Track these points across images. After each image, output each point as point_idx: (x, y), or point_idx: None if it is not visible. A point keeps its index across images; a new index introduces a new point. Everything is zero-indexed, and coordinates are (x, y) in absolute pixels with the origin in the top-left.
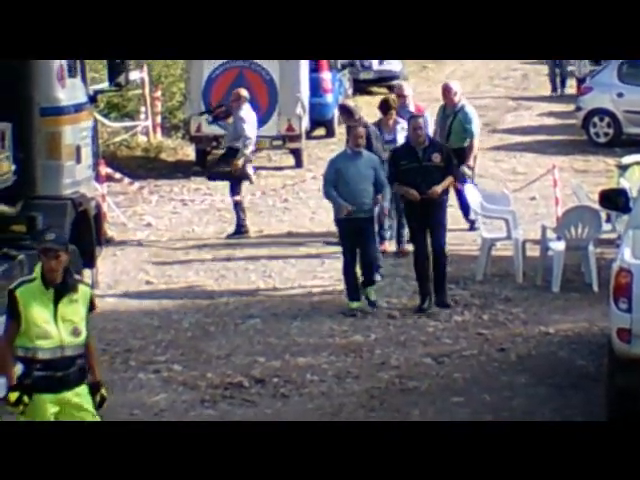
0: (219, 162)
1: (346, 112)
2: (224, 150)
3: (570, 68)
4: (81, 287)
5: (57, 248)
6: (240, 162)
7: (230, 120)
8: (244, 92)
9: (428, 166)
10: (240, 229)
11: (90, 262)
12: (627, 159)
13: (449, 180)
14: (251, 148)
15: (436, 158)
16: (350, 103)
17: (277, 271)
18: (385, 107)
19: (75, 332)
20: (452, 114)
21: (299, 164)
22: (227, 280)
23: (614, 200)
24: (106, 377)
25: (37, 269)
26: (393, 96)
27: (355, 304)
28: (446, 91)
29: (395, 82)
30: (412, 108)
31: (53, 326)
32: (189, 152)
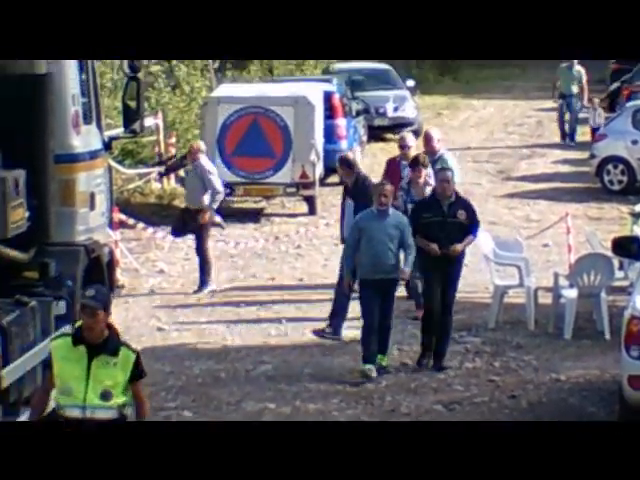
0: (182, 218)
1: (346, 165)
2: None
3: (582, 115)
4: (124, 351)
5: (93, 306)
6: (208, 215)
7: (182, 172)
8: (201, 145)
9: (452, 222)
10: (204, 284)
11: None
12: None
13: (470, 239)
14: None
15: (461, 215)
16: (350, 155)
17: (289, 317)
18: (415, 164)
19: (105, 396)
20: (432, 162)
21: (312, 211)
22: (239, 326)
23: (627, 247)
24: None
25: (78, 323)
26: (423, 153)
27: (369, 366)
28: (427, 139)
29: (399, 134)
30: None
31: (80, 384)
32: (203, 199)
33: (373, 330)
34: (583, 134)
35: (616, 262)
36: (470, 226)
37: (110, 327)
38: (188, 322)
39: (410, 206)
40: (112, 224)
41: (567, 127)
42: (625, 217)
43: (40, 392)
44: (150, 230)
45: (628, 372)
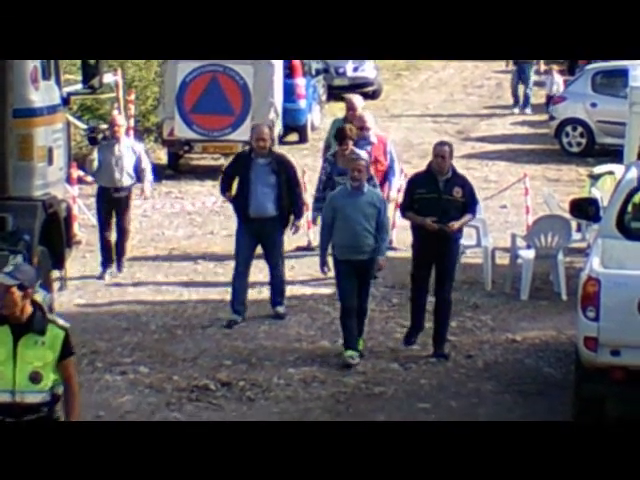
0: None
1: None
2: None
3: (535, 78)
4: (51, 329)
5: (2, 282)
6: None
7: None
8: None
9: (448, 199)
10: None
11: (59, 264)
12: (599, 169)
13: (467, 217)
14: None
15: (457, 193)
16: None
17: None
18: (341, 136)
19: (34, 378)
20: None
21: None
22: (195, 284)
23: (585, 209)
24: None
25: None
26: (350, 125)
27: (350, 352)
28: (350, 107)
29: (346, 95)
30: (373, 139)
31: (8, 367)
32: (161, 156)
33: (352, 313)
34: (540, 96)
35: (574, 224)
36: (467, 205)
37: (36, 305)
38: (145, 279)
39: (337, 178)
40: (70, 180)
41: (521, 94)
42: (583, 179)
43: None
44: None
45: (584, 333)
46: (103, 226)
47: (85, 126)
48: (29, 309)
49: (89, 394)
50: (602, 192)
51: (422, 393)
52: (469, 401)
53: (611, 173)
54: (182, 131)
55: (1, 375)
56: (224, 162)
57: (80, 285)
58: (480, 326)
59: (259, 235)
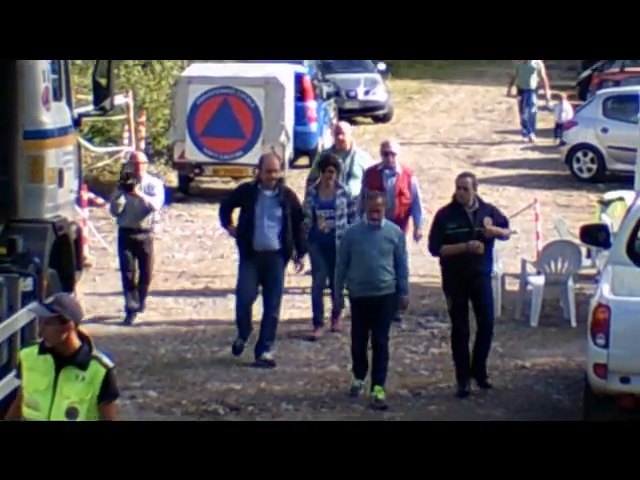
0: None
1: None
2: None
3: (541, 103)
4: (94, 365)
5: (42, 314)
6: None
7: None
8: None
9: (480, 231)
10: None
11: (69, 286)
12: (609, 195)
13: (506, 232)
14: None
15: (488, 223)
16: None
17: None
18: (325, 162)
19: (71, 413)
20: (343, 159)
21: None
22: (205, 307)
23: (595, 235)
24: None
25: None
26: (347, 143)
27: (358, 382)
28: (337, 134)
29: (384, 140)
30: (398, 169)
31: (46, 398)
32: (172, 178)
33: (362, 350)
34: (549, 121)
35: (584, 250)
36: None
37: (85, 339)
38: (155, 302)
39: (319, 212)
40: (80, 202)
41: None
42: (594, 205)
43: (14, 404)
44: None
45: (594, 360)
46: (125, 268)
47: (110, 158)
48: (75, 342)
49: None
50: (612, 218)
51: (431, 419)
52: (465, 397)
53: (621, 199)
54: (193, 154)
55: (39, 406)
56: (234, 185)
57: (90, 308)
58: (489, 352)
59: (262, 269)
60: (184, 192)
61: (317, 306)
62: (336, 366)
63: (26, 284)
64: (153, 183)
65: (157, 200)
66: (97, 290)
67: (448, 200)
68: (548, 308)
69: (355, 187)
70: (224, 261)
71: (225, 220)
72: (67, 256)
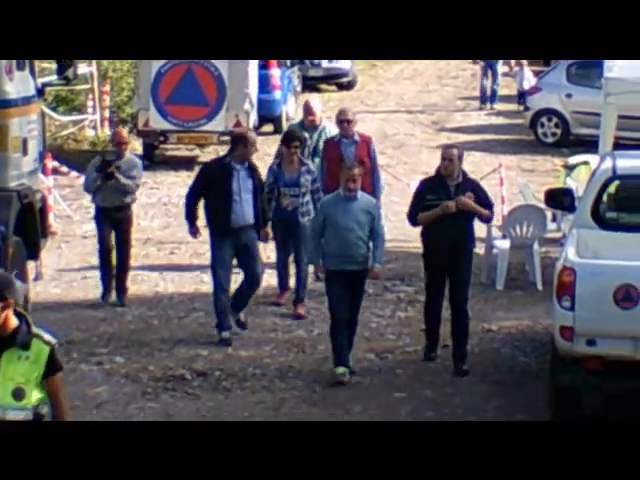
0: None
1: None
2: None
3: (501, 70)
4: (36, 344)
5: None
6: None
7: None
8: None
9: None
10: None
11: (34, 254)
12: (574, 159)
13: (485, 211)
14: None
15: (470, 198)
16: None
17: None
18: (289, 138)
19: (17, 394)
20: (312, 135)
21: None
22: (171, 274)
23: (560, 199)
24: None
25: None
26: (317, 122)
27: (342, 369)
28: (307, 110)
29: (340, 109)
30: (357, 137)
31: None
32: (137, 146)
33: (343, 327)
34: (512, 88)
35: (549, 214)
36: (483, 206)
37: (22, 317)
38: None
39: (283, 190)
40: (45, 170)
41: (488, 89)
42: (558, 169)
43: None
44: (83, 178)
45: (560, 323)
46: (103, 245)
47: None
48: (13, 322)
49: (65, 384)
50: (577, 182)
51: (398, 383)
52: (445, 391)
53: (586, 163)
54: (157, 122)
55: None
56: (199, 153)
57: (56, 275)
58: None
59: (237, 246)
60: (149, 160)
61: (282, 277)
62: (302, 331)
63: None
64: (133, 163)
65: (136, 182)
66: (63, 258)
67: (412, 165)
68: (514, 272)
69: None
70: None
71: (192, 213)
72: (32, 224)
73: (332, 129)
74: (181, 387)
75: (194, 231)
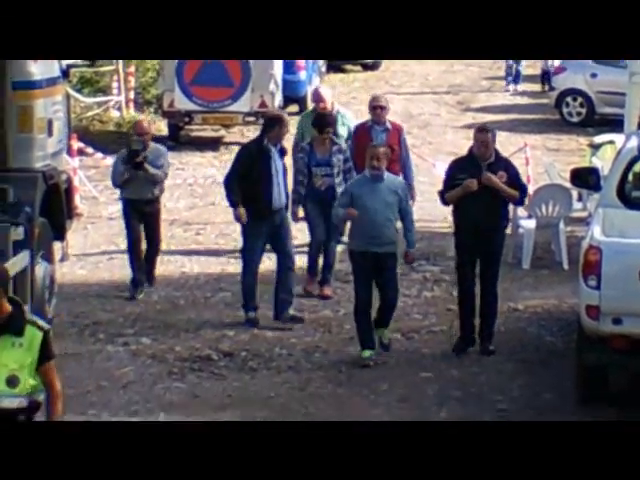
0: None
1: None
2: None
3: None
4: (30, 330)
5: None
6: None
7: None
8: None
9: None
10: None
11: (60, 235)
12: (599, 138)
13: (513, 192)
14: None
15: (501, 177)
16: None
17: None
18: (321, 123)
19: (11, 381)
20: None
21: None
22: (197, 254)
23: (585, 178)
24: (75, 349)
25: None
26: (329, 109)
27: (368, 352)
28: (317, 99)
29: (373, 95)
30: (388, 125)
31: None
32: (162, 127)
33: (366, 309)
34: (534, 68)
35: (575, 193)
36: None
37: (16, 304)
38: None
39: (315, 170)
40: (70, 151)
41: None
42: (584, 149)
43: None
44: (109, 159)
45: (585, 302)
46: (132, 239)
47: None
48: (6, 308)
49: (91, 364)
50: (603, 161)
51: (424, 362)
52: (471, 370)
53: (611, 142)
54: (182, 103)
55: None
56: (224, 133)
57: (82, 256)
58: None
59: (271, 228)
60: (174, 141)
61: (313, 262)
62: (329, 311)
63: (17, 233)
64: (159, 152)
65: (164, 171)
66: (88, 239)
67: (437, 145)
68: (540, 251)
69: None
70: (215, 208)
71: (235, 197)
72: (58, 205)
73: (346, 113)
74: (207, 367)
75: (239, 215)
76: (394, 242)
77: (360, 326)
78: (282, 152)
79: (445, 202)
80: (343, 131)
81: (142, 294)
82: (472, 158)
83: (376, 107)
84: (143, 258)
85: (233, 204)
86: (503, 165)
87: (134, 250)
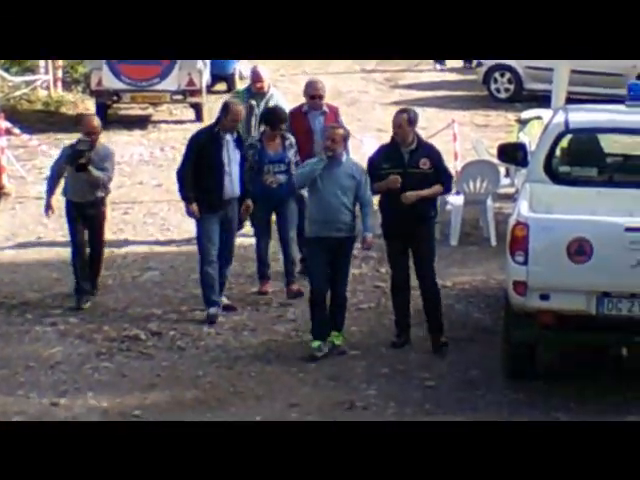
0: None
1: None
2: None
3: None
4: None
5: None
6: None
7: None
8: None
9: (414, 173)
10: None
11: None
12: (527, 114)
13: (435, 189)
14: None
15: (424, 164)
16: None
17: (175, 224)
18: (273, 119)
19: None
20: (261, 102)
21: (199, 118)
22: (125, 233)
23: (513, 154)
24: (2, 330)
25: None
26: (265, 89)
27: (317, 343)
28: (255, 77)
29: (310, 81)
30: (325, 108)
31: None
32: (90, 106)
33: (322, 299)
34: None
35: (502, 169)
36: (437, 176)
37: None
38: None
39: (267, 167)
40: None
41: None
42: (512, 124)
43: None
44: (35, 141)
45: (513, 278)
46: (76, 245)
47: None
48: None
49: (20, 345)
50: (530, 137)
51: (353, 340)
52: (399, 348)
53: (539, 118)
54: (110, 81)
55: None
56: (152, 112)
57: (10, 236)
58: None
59: (224, 220)
60: (102, 120)
61: (263, 265)
62: (257, 289)
63: None
64: (105, 153)
65: (108, 175)
66: (17, 218)
67: (366, 122)
68: (467, 227)
69: None
70: (143, 187)
71: (188, 191)
72: None
73: (278, 96)
74: (135, 347)
75: (192, 211)
76: (352, 227)
77: (314, 316)
78: (239, 141)
79: (373, 191)
80: None
81: (88, 303)
82: (394, 146)
83: (315, 96)
84: (86, 262)
85: (186, 199)
86: (426, 151)
87: (78, 255)
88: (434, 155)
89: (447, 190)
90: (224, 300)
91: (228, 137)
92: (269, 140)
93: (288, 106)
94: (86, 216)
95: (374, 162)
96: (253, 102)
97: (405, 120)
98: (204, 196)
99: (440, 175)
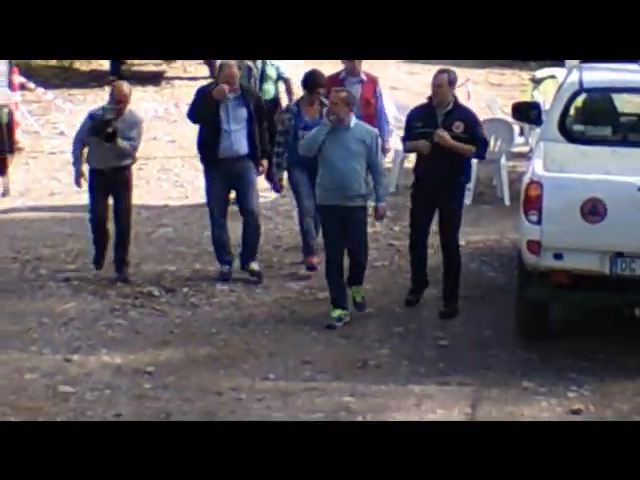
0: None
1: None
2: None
3: None
4: None
5: None
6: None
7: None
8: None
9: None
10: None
11: (1, 170)
12: (541, 73)
13: (468, 147)
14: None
15: (457, 128)
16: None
17: (189, 180)
18: (311, 82)
19: None
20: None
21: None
22: (139, 190)
23: (526, 112)
24: (16, 285)
25: None
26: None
27: (338, 312)
28: None
29: None
30: (363, 76)
31: None
32: (103, 62)
33: (338, 268)
34: None
35: (516, 128)
36: (471, 142)
37: None
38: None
39: (302, 133)
40: (12, 86)
41: None
42: (526, 83)
43: None
44: (50, 95)
45: (527, 237)
46: (96, 218)
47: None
48: None
49: (33, 301)
50: (544, 95)
51: (366, 298)
52: (413, 306)
53: (553, 77)
54: None
55: None
56: (166, 68)
57: (23, 191)
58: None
59: (230, 179)
60: (116, 75)
61: (308, 232)
62: (270, 247)
63: None
64: (133, 121)
65: (133, 144)
66: (30, 173)
67: (380, 80)
68: (481, 186)
69: (269, 90)
70: (157, 143)
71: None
72: None
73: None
74: (149, 303)
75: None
76: (363, 195)
77: (331, 285)
78: (244, 99)
79: (405, 149)
80: (271, 72)
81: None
82: (430, 106)
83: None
84: (112, 242)
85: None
86: (462, 114)
87: (98, 230)
88: (470, 119)
89: (479, 155)
90: (254, 267)
91: (230, 95)
92: (307, 105)
93: (287, 68)
94: (110, 185)
95: (409, 121)
96: (250, 63)
97: (445, 80)
98: (202, 151)
99: (474, 140)
